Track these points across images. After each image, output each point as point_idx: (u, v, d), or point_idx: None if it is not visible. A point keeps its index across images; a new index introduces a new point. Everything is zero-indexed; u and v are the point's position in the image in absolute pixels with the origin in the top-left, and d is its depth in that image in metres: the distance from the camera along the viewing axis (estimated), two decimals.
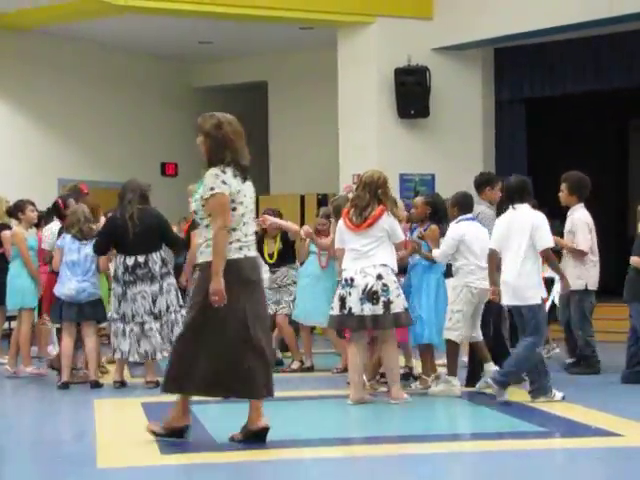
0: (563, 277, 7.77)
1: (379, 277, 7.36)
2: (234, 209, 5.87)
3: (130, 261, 8.27)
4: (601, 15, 12.16)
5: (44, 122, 14.60)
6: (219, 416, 7.36)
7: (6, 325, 11.31)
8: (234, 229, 5.84)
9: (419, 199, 8.50)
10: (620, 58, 13.25)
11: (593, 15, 12.24)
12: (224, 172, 5.90)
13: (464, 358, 9.44)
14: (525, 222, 7.43)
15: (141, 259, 8.27)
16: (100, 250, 8.53)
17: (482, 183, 8.64)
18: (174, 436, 5.99)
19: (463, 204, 8.01)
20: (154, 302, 8.27)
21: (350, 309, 7.42)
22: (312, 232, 9.12)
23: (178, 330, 8.20)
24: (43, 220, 10.46)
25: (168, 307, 8.34)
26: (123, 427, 6.83)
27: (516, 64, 14.05)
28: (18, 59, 14.19)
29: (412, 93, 13.37)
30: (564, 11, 12.48)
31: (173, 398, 7.87)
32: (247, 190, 5.99)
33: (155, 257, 8.32)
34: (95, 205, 9.41)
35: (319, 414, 7.62)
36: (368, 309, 7.37)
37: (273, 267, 9.63)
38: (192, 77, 16.72)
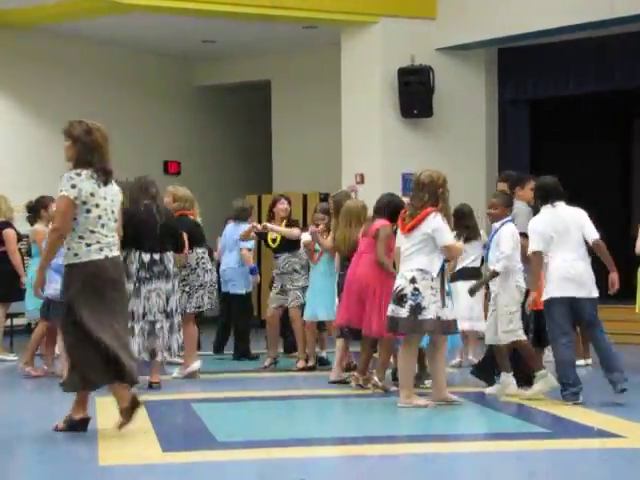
0: (614, 270, 7.63)
1: (412, 281, 7.24)
2: (88, 211, 6.15)
3: (146, 257, 8.20)
4: (603, 16, 12.16)
5: (47, 120, 14.57)
6: (220, 414, 7.38)
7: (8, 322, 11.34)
8: (92, 231, 6.14)
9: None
10: (624, 59, 13.24)
11: (596, 16, 12.23)
12: (78, 175, 6.24)
13: (470, 356, 9.45)
14: (574, 217, 7.57)
15: (156, 256, 8.20)
16: (124, 245, 8.39)
17: (512, 184, 8.65)
18: (74, 429, 6.27)
19: (510, 204, 8.08)
20: (167, 300, 8.23)
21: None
22: (316, 232, 9.10)
23: (176, 333, 8.25)
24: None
25: (177, 308, 8.31)
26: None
27: (520, 64, 14.02)
28: (20, 57, 14.17)
29: (415, 93, 13.36)
30: (567, 12, 12.47)
31: (174, 397, 7.92)
32: (107, 193, 6.26)
33: (170, 255, 8.27)
34: None
35: (318, 413, 7.64)
36: (391, 310, 7.33)
37: (276, 253, 9.74)
38: (195, 76, 16.71)
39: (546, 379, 7.75)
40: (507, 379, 7.83)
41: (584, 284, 7.48)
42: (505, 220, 7.93)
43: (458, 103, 13.69)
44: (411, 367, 7.49)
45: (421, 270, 7.26)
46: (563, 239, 7.51)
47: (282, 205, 9.76)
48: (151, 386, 8.27)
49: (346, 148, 13.79)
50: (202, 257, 8.96)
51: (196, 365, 8.90)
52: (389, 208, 8.14)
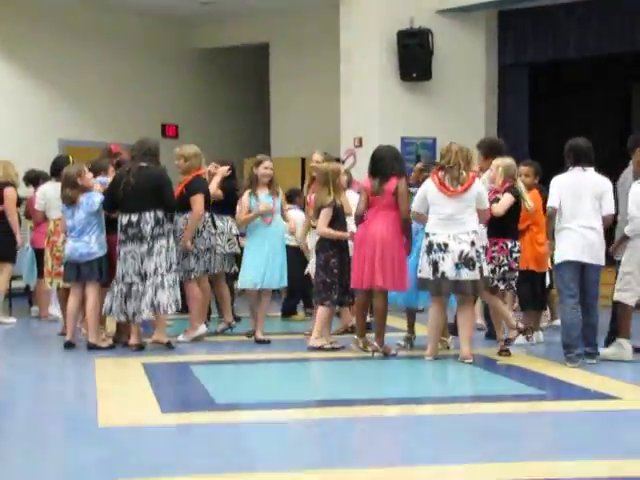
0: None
1: (472, 244, 7.59)
2: None
3: (124, 219, 8.22)
4: None
5: (44, 83, 14.52)
6: (219, 377, 7.42)
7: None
8: None
9: (418, 165, 8.99)
10: (625, 22, 13.15)
11: None
12: None
13: (479, 320, 9.45)
14: (597, 185, 7.63)
15: (134, 218, 8.18)
16: (105, 207, 8.45)
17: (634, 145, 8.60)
18: None
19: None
20: (142, 262, 8.20)
21: (443, 273, 7.58)
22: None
23: (162, 293, 8.20)
24: (40, 180, 10.47)
25: (156, 269, 8.21)
26: (124, 387, 6.86)
27: (520, 27, 13.93)
28: (18, 19, 14.09)
29: (414, 56, 13.27)
30: None
31: (173, 359, 7.95)
32: None
33: (148, 217, 8.17)
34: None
35: (316, 375, 7.68)
36: (466, 274, 7.58)
37: None
38: (194, 38, 16.60)
39: (622, 349, 7.79)
40: (624, 344, 7.83)
41: (595, 252, 7.55)
42: None
43: (457, 66, 13.62)
44: (473, 327, 7.92)
45: (475, 232, 7.66)
46: (581, 204, 7.57)
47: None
48: (127, 346, 8.33)
49: (345, 111, 13.73)
50: (207, 220, 8.90)
51: (202, 329, 8.91)
52: (387, 161, 8.09)
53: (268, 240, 8.65)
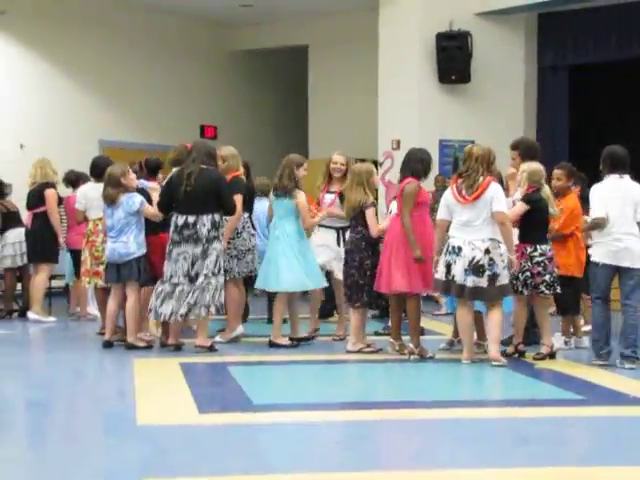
0: None
1: (487, 251, 7.57)
2: None
3: (180, 220, 8.26)
4: None
5: (85, 84, 14.68)
6: (256, 377, 7.45)
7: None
8: None
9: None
10: None
11: None
12: None
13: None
14: (634, 192, 7.68)
15: (191, 219, 8.23)
16: (160, 209, 8.50)
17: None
18: None
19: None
20: (193, 264, 8.25)
21: (453, 277, 7.64)
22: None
23: (207, 295, 8.24)
24: (80, 181, 10.58)
25: (207, 271, 8.25)
26: (162, 386, 6.91)
27: (560, 30, 13.86)
28: (61, 20, 14.25)
29: (453, 58, 13.26)
30: None
31: (210, 359, 8.00)
32: None
33: (205, 219, 8.24)
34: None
35: (353, 377, 7.69)
36: (471, 281, 7.58)
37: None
38: (233, 40, 16.69)
39: None
40: None
41: (630, 257, 7.59)
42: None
43: (496, 69, 13.58)
44: (500, 326, 7.77)
45: (492, 239, 7.60)
46: (619, 211, 7.61)
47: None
48: (166, 346, 8.37)
49: (383, 114, 13.73)
50: (247, 221, 8.95)
51: (240, 330, 8.96)
52: (411, 162, 8.13)
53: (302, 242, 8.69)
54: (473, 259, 7.58)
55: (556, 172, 8.73)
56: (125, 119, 15.11)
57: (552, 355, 8.02)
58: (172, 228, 8.27)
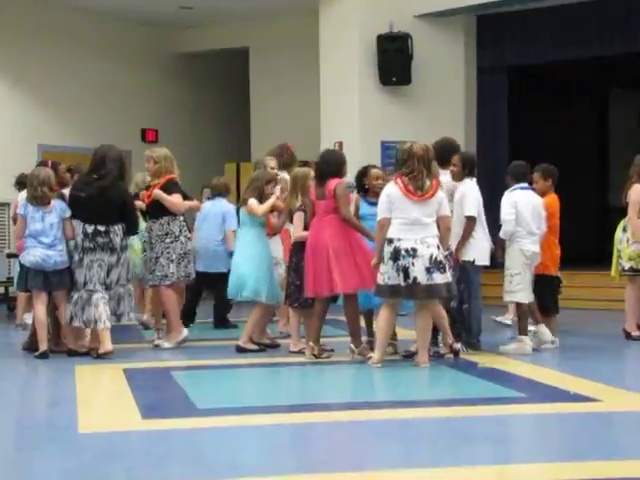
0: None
1: (438, 247, 7.55)
2: None
3: (90, 228, 8.25)
4: None
5: (23, 88, 14.48)
6: (200, 382, 7.41)
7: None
8: None
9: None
10: (601, 26, 13.24)
11: None
12: None
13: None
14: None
15: (101, 228, 8.24)
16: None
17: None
18: None
19: (518, 173, 8.64)
20: (108, 272, 8.25)
21: (415, 279, 7.46)
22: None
23: (124, 304, 8.27)
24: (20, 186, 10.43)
25: (118, 279, 8.30)
26: (105, 392, 6.84)
27: (498, 32, 14.00)
28: None
29: (394, 60, 13.33)
30: None
31: (153, 364, 7.94)
32: None
33: (116, 228, 8.29)
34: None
35: (295, 380, 7.69)
36: (439, 278, 7.49)
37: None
38: (173, 43, 16.59)
39: (521, 344, 8.35)
40: (525, 340, 8.40)
41: None
42: (515, 187, 8.55)
43: (437, 70, 13.67)
44: (430, 329, 7.76)
45: (437, 236, 7.60)
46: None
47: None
48: (90, 354, 8.29)
49: (325, 116, 13.75)
50: (184, 225, 8.91)
51: (185, 332, 8.90)
52: (336, 163, 8.11)
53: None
54: (431, 256, 7.46)
55: (534, 175, 8.89)
56: (65, 123, 14.93)
57: (456, 353, 7.95)
58: (80, 236, 8.27)
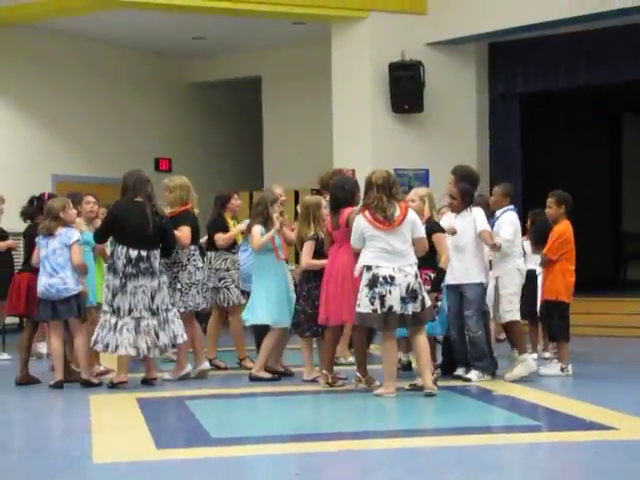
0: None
1: (416, 276, 7.51)
2: None
3: (134, 254, 8.22)
4: (592, 10, 12.20)
5: (37, 118, 14.59)
6: (214, 411, 7.39)
7: None
8: None
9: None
10: (612, 53, 13.28)
11: (584, 10, 12.27)
12: None
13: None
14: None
15: (144, 253, 8.21)
16: (96, 238, 8.57)
17: None
18: None
19: (511, 194, 8.86)
20: (152, 298, 8.21)
21: (391, 307, 7.43)
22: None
23: (173, 328, 8.24)
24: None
25: (164, 305, 8.26)
26: (119, 423, 6.83)
27: (510, 59, 14.05)
28: (10, 54, 14.16)
29: (406, 88, 13.37)
30: (557, 6, 12.50)
31: (167, 394, 7.94)
32: None
33: (156, 253, 8.27)
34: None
35: (310, 409, 7.66)
36: (411, 307, 7.46)
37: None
38: (186, 73, 16.71)
39: (526, 363, 8.32)
40: (528, 359, 8.41)
41: None
42: (506, 208, 8.65)
43: (449, 98, 13.71)
44: (428, 354, 7.70)
45: (416, 264, 7.56)
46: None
47: (236, 201, 9.51)
48: (146, 382, 8.30)
49: (337, 144, 13.79)
50: (193, 254, 8.84)
51: (206, 365, 8.88)
52: (350, 191, 8.05)
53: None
54: (408, 286, 7.42)
55: (548, 200, 8.89)
56: (79, 153, 15.02)
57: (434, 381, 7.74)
58: (123, 261, 8.18)
